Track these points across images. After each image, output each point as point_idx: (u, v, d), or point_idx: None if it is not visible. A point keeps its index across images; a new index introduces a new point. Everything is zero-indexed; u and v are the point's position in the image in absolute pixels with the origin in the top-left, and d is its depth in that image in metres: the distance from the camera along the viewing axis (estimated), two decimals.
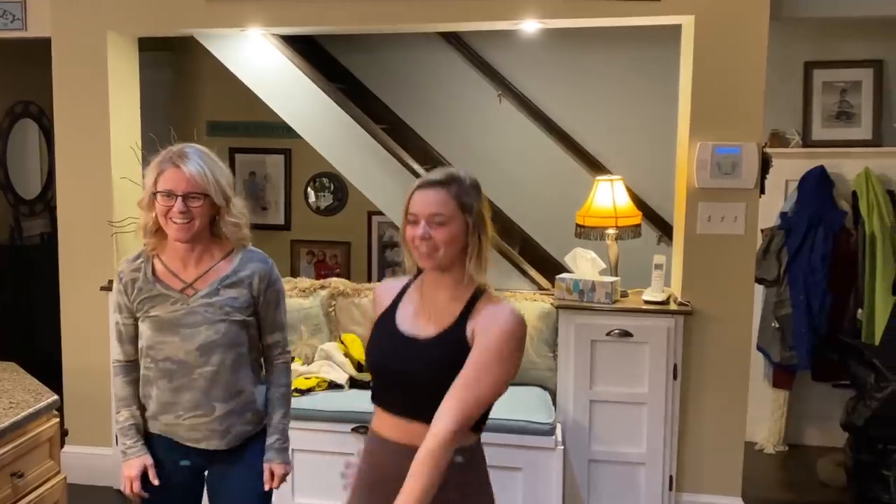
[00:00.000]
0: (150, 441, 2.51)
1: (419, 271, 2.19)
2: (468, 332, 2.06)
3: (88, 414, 4.26)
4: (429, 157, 5.50)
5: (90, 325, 4.27)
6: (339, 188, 6.10)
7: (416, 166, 4.67)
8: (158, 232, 2.45)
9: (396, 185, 4.54)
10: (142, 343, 2.47)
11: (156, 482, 2.45)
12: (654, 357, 3.80)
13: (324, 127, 4.70)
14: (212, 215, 2.43)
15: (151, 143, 4.21)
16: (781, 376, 4.94)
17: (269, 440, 2.50)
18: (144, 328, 2.45)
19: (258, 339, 2.53)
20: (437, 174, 2.13)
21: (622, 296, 3.97)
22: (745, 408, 3.89)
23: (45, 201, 6.05)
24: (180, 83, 6.12)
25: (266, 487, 2.50)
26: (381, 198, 4.77)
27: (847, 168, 4.83)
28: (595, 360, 3.84)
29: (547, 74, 5.52)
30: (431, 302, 2.14)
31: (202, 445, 2.46)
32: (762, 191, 3.85)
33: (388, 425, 2.14)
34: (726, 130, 3.75)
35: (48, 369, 3.18)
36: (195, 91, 6.11)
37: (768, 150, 4.04)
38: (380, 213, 5.52)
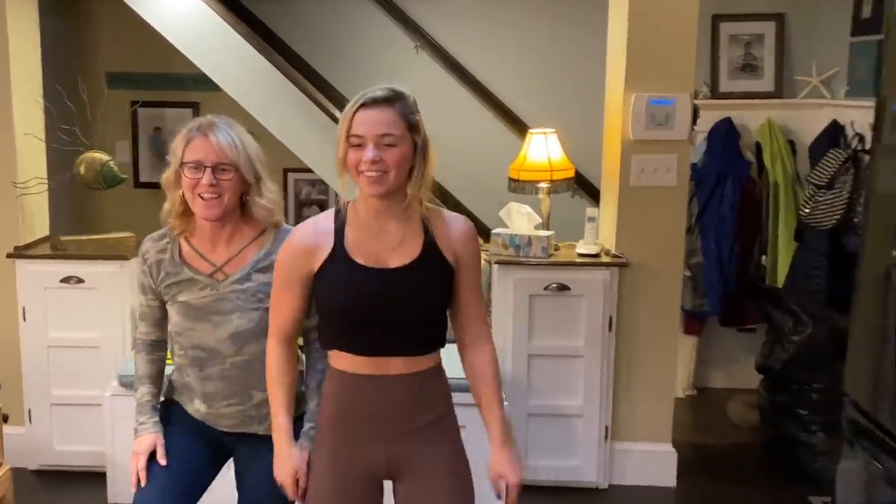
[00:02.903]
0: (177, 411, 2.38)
1: (338, 209, 2.05)
2: (445, 254, 2.03)
3: None
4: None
5: None
6: None
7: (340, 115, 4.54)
8: (185, 213, 2.26)
9: (321, 137, 4.37)
10: (170, 328, 2.30)
11: (163, 462, 2.28)
12: (591, 310, 3.82)
13: (242, 75, 4.48)
14: (241, 193, 2.26)
15: (58, 95, 3.95)
16: (692, 323, 5.07)
17: (305, 427, 2.34)
18: (173, 313, 2.28)
19: None
20: (380, 90, 1.96)
21: (555, 250, 3.98)
22: (675, 357, 3.98)
23: None
24: (74, 31, 5.69)
25: None
26: (303, 150, 4.58)
27: (751, 119, 4.96)
28: (533, 315, 3.83)
29: (465, 25, 5.43)
30: (382, 233, 2.00)
31: (239, 430, 2.32)
32: (692, 141, 3.91)
33: (395, 366, 2.02)
34: (659, 82, 3.75)
35: None
36: (92, 40, 5.70)
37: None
38: (296, 169, 5.32)
